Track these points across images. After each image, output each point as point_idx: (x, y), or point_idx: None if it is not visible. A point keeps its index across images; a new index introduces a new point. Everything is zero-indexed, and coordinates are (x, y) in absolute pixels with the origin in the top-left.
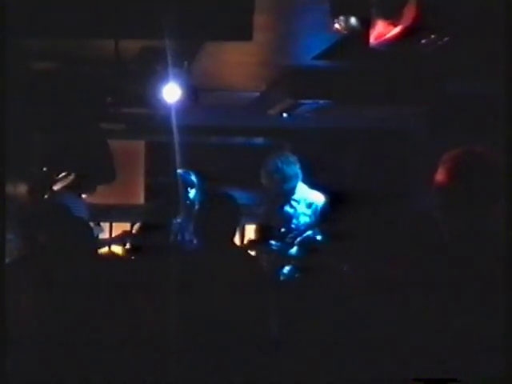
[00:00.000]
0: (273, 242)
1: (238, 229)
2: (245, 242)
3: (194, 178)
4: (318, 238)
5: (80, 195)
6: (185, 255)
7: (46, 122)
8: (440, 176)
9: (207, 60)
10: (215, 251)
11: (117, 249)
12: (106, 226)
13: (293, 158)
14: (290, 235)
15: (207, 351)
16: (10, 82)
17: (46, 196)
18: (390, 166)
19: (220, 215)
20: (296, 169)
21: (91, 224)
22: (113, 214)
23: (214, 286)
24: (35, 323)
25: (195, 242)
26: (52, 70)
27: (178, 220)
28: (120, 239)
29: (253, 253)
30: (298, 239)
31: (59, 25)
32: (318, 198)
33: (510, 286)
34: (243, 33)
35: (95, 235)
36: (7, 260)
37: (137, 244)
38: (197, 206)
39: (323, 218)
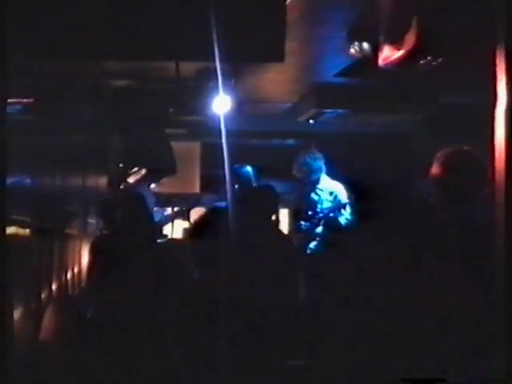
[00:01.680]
0: (302, 223)
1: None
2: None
3: (247, 170)
4: (339, 219)
5: (148, 186)
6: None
7: (122, 127)
8: (434, 170)
9: (250, 77)
10: (260, 230)
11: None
12: (168, 209)
13: (318, 155)
14: (316, 217)
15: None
16: (92, 95)
17: (121, 186)
18: (394, 162)
19: (264, 200)
20: (320, 163)
21: (157, 208)
22: (174, 200)
23: (257, 260)
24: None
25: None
26: (127, 86)
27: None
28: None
29: (286, 231)
30: (322, 220)
31: (133, 49)
32: (338, 187)
33: (510, 286)
34: (277, 56)
35: (159, 217)
36: (92, 238)
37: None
38: (244, 193)
39: (342, 203)
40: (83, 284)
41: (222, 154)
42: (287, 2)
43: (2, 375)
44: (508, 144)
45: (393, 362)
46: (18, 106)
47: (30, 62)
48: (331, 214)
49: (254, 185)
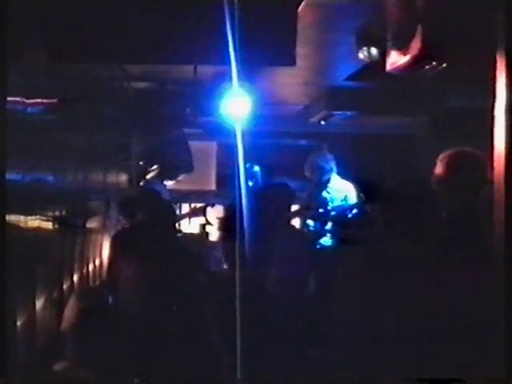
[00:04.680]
0: (313, 220)
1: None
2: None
3: (255, 170)
4: (348, 217)
5: (162, 182)
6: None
7: (141, 127)
8: (438, 169)
9: (264, 80)
10: (275, 225)
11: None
12: (186, 206)
13: (328, 156)
14: (326, 215)
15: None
16: (114, 96)
17: (141, 183)
18: (400, 161)
19: (279, 198)
20: (331, 164)
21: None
22: (191, 197)
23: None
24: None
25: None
26: (147, 87)
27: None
28: (192, 215)
29: (298, 228)
30: (333, 218)
31: (155, 53)
32: (348, 187)
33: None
34: (289, 60)
35: (176, 212)
36: (113, 232)
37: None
38: (259, 191)
39: (352, 201)
40: (104, 276)
41: (237, 153)
42: (299, 10)
43: (2, 375)
44: (508, 145)
45: (401, 361)
46: (41, 107)
47: (53, 64)
48: (341, 212)
49: (262, 184)
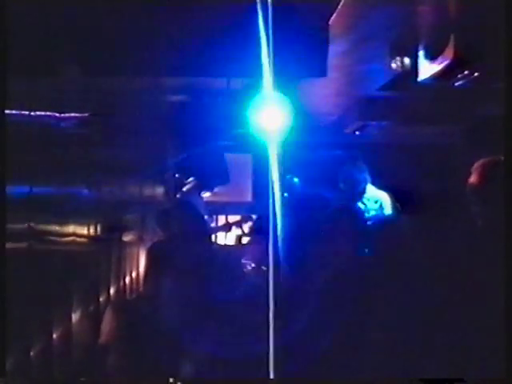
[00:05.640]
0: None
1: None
2: None
3: (294, 181)
4: (383, 225)
5: (203, 194)
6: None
7: (177, 140)
8: (473, 179)
9: (298, 91)
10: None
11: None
12: (222, 217)
13: (363, 166)
14: (362, 224)
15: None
16: (149, 110)
17: (177, 195)
18: (435, 171)
19: (314, 209)
20: (366, 174)
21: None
22: (227, 208)
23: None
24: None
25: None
26: (183, 100)
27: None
28: (227, 227)
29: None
30: (368, 227)
31: (190, 66)
32: (383, 196)
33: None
34: (321, 71)
35: (211, 224)
36: (149, 245)
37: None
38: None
39: (387, 210)
40: (140, 288)
41: (271, 164)
42: (330, 21)
43: (2, 375)
44: None
45: (401, 361)
46: (74, 120)
47: (87, 77)
48: (376, 222)
49: (298, 195)
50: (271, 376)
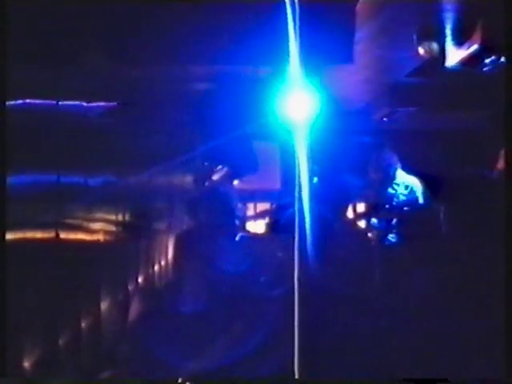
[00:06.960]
0: (378, 217)
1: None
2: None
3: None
4: (414, 211)
5: (231, 183)
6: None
7: (205, 128)
8: (500, 164)
9: (325, 78)
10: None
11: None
12: (251, 205)
13: (392, 152)
14: (392, 211)
15: None
16: (176, 99)
17: (206, 184)
18: (464, 156)
19: (342, 196)
20: (395, 160)
21: (239, 204)
22: (256, 196)
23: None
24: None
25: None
26: (208, 89)
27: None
28: (256, 216)
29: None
30: (398, 213)
31: (216, 53)
32: (414, 181)
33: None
34: (347, 57)
35: (240, 213)
36: (177, 233)
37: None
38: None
39: (417, 196)
40: (169, 276)
41: (298, 152)
42: (357, 7)
43: (2, 375)
44: None
45: (401, 361)
46: (101, 109)
47: (112, 66)
48: (407, 208)
49: (325, 182)
50: (296, 376)
